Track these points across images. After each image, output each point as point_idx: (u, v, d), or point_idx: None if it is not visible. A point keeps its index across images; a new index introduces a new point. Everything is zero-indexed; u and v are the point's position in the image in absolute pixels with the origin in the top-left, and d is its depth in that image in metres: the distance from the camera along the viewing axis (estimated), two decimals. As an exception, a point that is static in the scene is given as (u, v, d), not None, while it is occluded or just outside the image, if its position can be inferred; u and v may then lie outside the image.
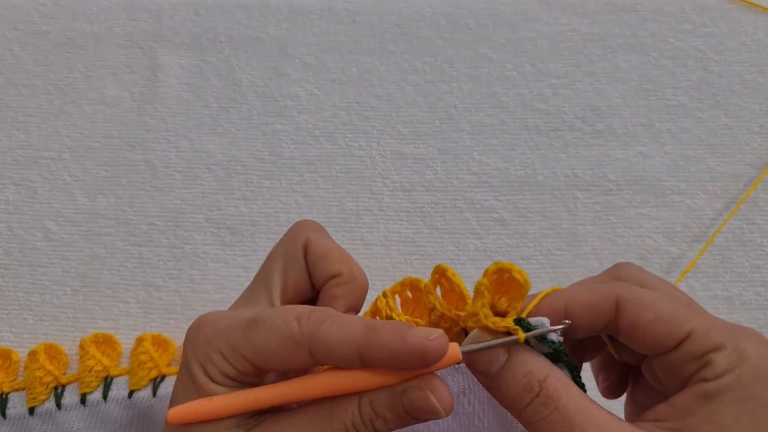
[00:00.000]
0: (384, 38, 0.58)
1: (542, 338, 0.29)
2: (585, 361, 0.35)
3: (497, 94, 0.55)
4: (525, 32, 0.57)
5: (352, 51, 0.57)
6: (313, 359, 0.28)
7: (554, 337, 0.29)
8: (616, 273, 0.33)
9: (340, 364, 0.28)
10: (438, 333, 0.27)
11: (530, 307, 0.31)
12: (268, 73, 0.57)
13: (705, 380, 0.28)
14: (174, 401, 0.30)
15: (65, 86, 0.56)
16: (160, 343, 0.47)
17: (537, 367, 0.28)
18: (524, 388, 0.28)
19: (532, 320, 0.29)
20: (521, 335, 0.28)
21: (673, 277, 0.49)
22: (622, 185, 0.52)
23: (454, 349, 0.28)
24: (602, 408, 0.28)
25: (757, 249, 0.50)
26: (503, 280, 0.29)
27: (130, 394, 0.44)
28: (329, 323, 0.28)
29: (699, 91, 0.55)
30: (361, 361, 0.27)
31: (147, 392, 0.44)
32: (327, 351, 0.27)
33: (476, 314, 0.29)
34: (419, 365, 0.27)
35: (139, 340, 0.46)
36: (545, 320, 0.29)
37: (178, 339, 0.48)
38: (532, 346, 0.29)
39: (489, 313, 0.29)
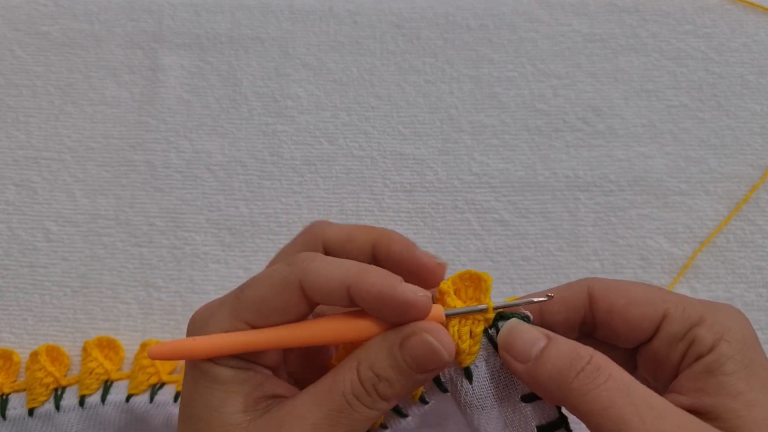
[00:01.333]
0: (384, 39, 0.58)
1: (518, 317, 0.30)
2: None
3: (498, 95, 0.55)
4: (526, 33, 0.57)
5: (352, 51, 0.57)
6: (306, 301, 0.28)
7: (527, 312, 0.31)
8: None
9: (329, 301, 0.28)
10: (425, 291, 0.28)
11: (508, 299, 0.32)
12: (268, 74, 0.57)
13: (701, 356, 0.28)
14: (183, 397, 0.30)
15: (66, 87, 0.56)
16: None
17: (580, 345, 0.28)
18: (573, 359, 0.27)
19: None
20: (491, 303, 0.30)
21: (673, 278, 0.49)
22: (623, 186, 0.52)
23: (439, 310, 0.29)
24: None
25: (758, 250, 0.50)
26: (467, 280, 0.31)
27: (128, 398, 0.44)
28: (320, 260, 0.28)
29: (700, 91, 0.55)
30: (350, 300, 0.27)
31: (144, 398, 0.44)
32: (317, 284, 0.27)
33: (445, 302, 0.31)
34: (403, 316, 0.27)
35: (144, 345, 0.46)
36: (526, 312, 0.31)
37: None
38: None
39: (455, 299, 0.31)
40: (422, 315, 0.28)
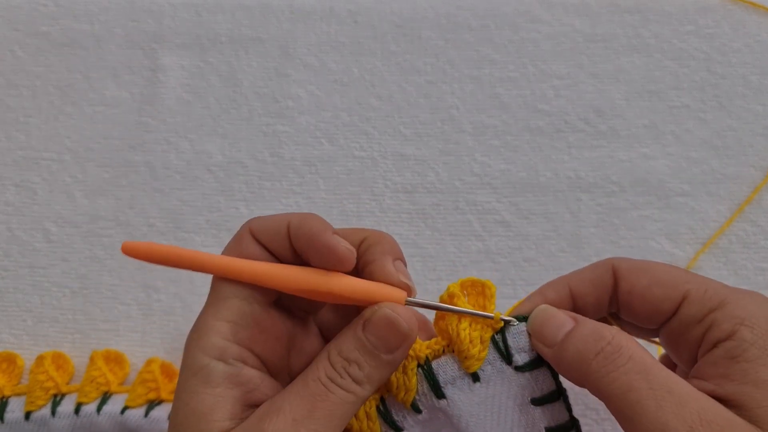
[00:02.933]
0: (385, 39, 0.57)
1: (519, 335, 0.31)
2: None
3: (499, 95, 0.55)
4: (527, 33, 0.57)
5: (353, 52, 0.57)
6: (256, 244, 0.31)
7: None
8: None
9: (274, 243, 0.31)
10: (348, 244, 0.30)
11: (516, 305, 0.32)
12: (269, 74, 0.56)
13: (719, 341, 0.27)
14: (173, 403, 0.30)
15: (65, 87, 0.56)
16: (168, 371, 0.46)
17: (605, 326, 0.28)
18: (595, 339, 0.27)
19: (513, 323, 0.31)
20: (497, 313, 0.31)
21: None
22: (625, 187, 0.52)
23: (401, 294, 0.30)
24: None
25: (761, 251, 0.50)
26: (469, 287, 0.32)
27: (123, 410, 0.44)
28: (266, 216, 0.32)
29: (702, 92, 0.55)
30: (290, 244, 0.30)
31: (140, 412, 0.44)
32: (262, 227, 0.31)
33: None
34: (328, 263, 0.29)
35: (149, 362, 0.46)
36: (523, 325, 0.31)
37: (179, 344, 0.48)
38: (508, 344, 0.31)
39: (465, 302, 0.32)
40: (345, 266, 0.30)
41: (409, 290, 0.30)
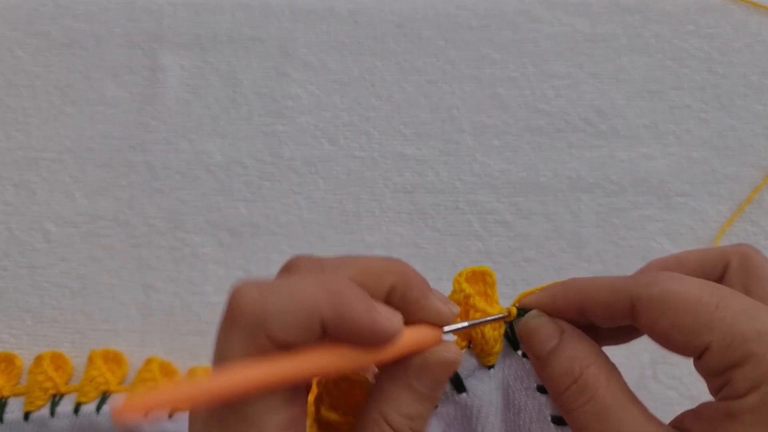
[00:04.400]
0: (385, 39, 0.57)
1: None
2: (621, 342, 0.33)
3: (499, 95, 0.55)
4: (527, 33, 0.57)
5: (353, 51, 0.57)
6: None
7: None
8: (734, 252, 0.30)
9: (295, 337, 0.24)
10: (399, 318, 0.26)
11: (522, 294, 0.32)
12: (268, 74, 0.56)
13: (728, 398, 0.25)
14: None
15: (65, 87, 0.56)
16: (167, 370, 0.46)
17: (584, 353, 0.27)
18: (565, 372, 0.27)
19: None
20: (512, 310, 0.31)
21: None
22: (626, 187, 0.52)
23: (438, 332, 0.28)
24: (645, 408, 0.26)
25: (762, 251, 0.50)
26: (471, 277, 0.32)
27: None
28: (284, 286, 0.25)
29: (703, 92, 0.55)
30: (318, 330, 0.25)
31: None
32: (283, 324, 0.24)
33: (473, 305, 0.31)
34: (376, 344, 0.25)
35: (148, 361, 0.46)
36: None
37: (178, 344, 0.48)
38: (516, 332, 0.31)
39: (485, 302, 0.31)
40: (395, 340, 0.26)
41: (453, 318, 0.29)
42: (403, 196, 0.52)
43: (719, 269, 0.29)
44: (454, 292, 0.32)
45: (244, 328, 0.23)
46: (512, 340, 0.31)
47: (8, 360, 0.47)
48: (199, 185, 0.53)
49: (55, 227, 0.52)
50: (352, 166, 0.53)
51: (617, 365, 0.28)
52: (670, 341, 0.26)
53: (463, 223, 0.51)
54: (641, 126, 0.54)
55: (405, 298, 0.27)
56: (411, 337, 0.27)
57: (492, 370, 0.32)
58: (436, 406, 0.32)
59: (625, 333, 0.31)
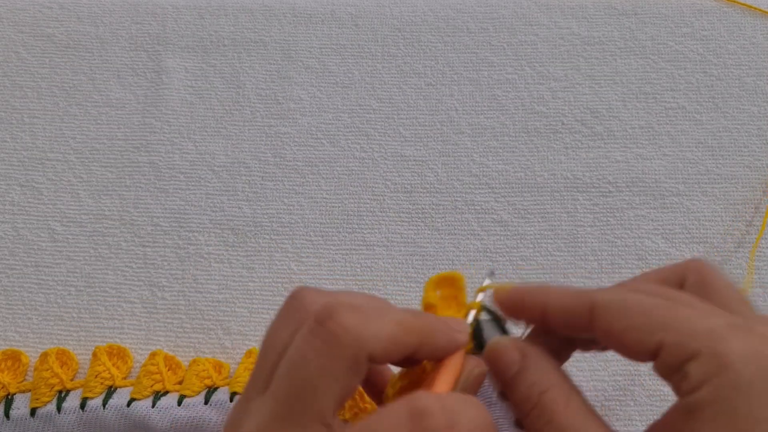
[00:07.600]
0: (386, 42, 0.58)
1: (490, 318, 0.32)
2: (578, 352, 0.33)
3: (497, 97, 0.56)
4: (525, 36, 0.58)
5: (354, 54, 0.58)
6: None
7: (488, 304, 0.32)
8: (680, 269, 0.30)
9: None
10: (465, 327, 0.30)
11: (482, 288, 0.33)
12: (271, 76, 0.57)
13: (685, 394, 0.24)
14: None
15: (70, 88, 0.57)
16: (171, 363, 0.47)
17: (543, 378, 0.28)
18: (526, 398, 0.28)
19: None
20: (476, 305, 0.32)
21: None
22: (621, 187, 0.52)
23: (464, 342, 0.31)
24: (604, 426, 0.26)
25: None
26: (441, 282, 0.33)
27: (130, 402, 0.44)
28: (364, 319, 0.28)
29: (698, 94, 0.55)
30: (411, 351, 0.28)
31: (147, 402, 0.44)
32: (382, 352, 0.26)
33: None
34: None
35: (153, 354, 0.46)
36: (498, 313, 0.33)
37: (183, 341, 0.48)
38: (482, 329, 0.32)
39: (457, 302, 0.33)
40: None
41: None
42: (403, 196, 0.53)
43: (676, 285, 0.29)
44: (423, 299, 0.33)
45: (347, 349, 0.26)
46: (480, 337, 0.32)
47: (14, 357, 0.47)
48: (203, 185, 0.53)
49: (60, 226, 0.52)
50: (352, 166, 0.54)
51: (611, 362, 0.29)
52: (625, 343, 0.26)
53: (461, 222, 0.52)
54: (636, 127, 0.54)
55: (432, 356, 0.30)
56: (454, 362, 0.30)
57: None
58: None
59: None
